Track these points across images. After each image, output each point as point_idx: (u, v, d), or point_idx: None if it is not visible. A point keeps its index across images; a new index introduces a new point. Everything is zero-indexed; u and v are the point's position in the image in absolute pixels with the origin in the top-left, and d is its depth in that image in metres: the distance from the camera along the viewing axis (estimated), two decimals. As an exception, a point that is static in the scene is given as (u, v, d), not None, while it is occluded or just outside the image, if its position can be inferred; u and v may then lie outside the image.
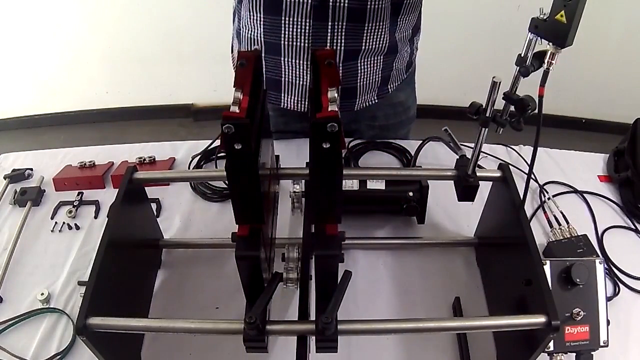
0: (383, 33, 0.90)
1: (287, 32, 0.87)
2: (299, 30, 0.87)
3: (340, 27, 0.86)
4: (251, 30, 0.90)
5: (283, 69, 0.94)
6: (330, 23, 0.86)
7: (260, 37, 0.90)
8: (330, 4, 0.83)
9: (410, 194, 0.84)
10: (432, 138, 1.02)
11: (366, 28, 0.87)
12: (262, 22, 0.88)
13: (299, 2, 0.83)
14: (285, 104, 1.00)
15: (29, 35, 2.26)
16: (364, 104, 1.02)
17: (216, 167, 1.00)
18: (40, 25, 2.22)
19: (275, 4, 0.85)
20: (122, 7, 2.08)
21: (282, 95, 0.98)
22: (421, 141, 1.02)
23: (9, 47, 2.29)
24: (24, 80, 2.42)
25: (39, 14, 2.19)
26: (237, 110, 0.49)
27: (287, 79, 0.95)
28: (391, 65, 0.98)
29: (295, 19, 0.85)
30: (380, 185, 0.85)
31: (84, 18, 2.24)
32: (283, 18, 0.86)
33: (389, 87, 1.03)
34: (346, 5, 0.83)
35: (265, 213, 0.60)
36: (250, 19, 0.88)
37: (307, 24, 0.86)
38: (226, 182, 0.95)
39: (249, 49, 0.94)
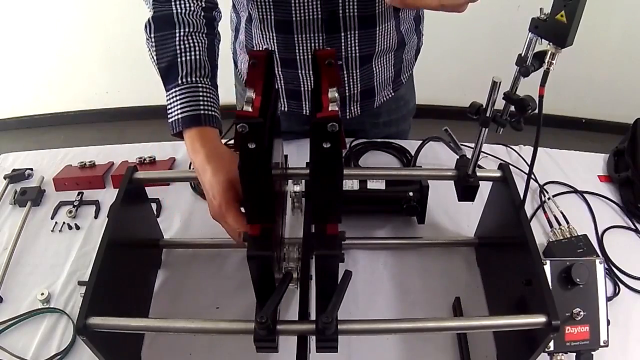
0: (392, 31, 0.91)
1: (301, 48, 0.88)
2: (313, 44, 0.87)
3: (352, 35, 0.87)
4: (266, 48, 0.91)
5: (302, 80, 0.95)
6: (342, 33, 0.86)
7: (275, 54, 0.91)
8: (340, 15, 0.83)
9: (411, 194, 0.84)
10: (432, 138, 1.02)
11: (377, 31, 0.88)
12: (275, 41, 0.88)
13: (308, 19, 0.83)
14: (308, 112, 1.01)
15: (29, 35, 2.26)
16: (382, 100, 1.03)
17: None
18: (40, 25, 2.23)
19: (285, 23, 0.85)
20: (122, 7, 2.08)
21: (304, 103, 0.99)
22: (421, 141, 1.02)
23: (9, 47, 2.29)
24: (24, 80, 2.42)
25: (39, 14, 2.19)
26: (250, 110, 0.49)
27: (306, 88, 0.96)
28: (401, 58, 1.00)
29: (307, 35, 0.86)
30: (380, 185, 0.85)
31: (84, 18, 2.24)
32: (295, 35, 0.86)
33: (401, 78, 1.04)
34: (356, 14, 0.84)
35: (276, 212, 0.60)
36: (262, 37, 0.89)
37: (320, 37, 0.86)
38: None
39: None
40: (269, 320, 0.52)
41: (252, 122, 0.47)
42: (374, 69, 0.95)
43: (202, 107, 0.66)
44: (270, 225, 0.57)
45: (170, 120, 0.67)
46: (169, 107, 0.67)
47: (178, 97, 0.66)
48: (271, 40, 0.89)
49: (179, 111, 0.66)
